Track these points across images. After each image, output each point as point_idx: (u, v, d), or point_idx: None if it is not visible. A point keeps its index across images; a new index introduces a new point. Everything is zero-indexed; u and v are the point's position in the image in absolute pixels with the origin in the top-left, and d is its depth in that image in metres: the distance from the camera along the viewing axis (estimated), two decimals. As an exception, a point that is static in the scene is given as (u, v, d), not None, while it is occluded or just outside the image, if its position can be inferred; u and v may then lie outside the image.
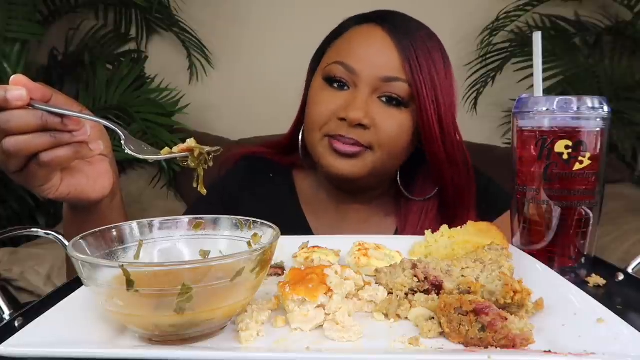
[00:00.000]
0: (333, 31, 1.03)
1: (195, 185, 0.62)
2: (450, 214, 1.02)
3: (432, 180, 1.03)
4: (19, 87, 0.59)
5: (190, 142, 0.60)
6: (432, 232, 0.77)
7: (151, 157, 0.60)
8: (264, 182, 1.11)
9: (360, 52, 0.93)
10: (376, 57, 0.92)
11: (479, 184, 1.05)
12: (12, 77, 0.60)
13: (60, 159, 0.63)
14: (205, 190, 0.62)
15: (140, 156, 0.59)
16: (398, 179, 1.04)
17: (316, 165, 1.06)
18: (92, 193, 0.73)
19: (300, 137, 1.05)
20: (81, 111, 0.65)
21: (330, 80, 0.95)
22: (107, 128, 0.64)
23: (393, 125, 0.93)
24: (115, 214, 0.81)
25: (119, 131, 0.61)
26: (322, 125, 0.94)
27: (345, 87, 0.94)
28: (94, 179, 0.73)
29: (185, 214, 1.11)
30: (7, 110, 0.59)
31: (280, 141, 1.14)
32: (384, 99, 0.93)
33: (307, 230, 1.07)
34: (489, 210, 1.03)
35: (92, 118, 0.62)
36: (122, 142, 0.60)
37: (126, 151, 0.60)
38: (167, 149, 0.60)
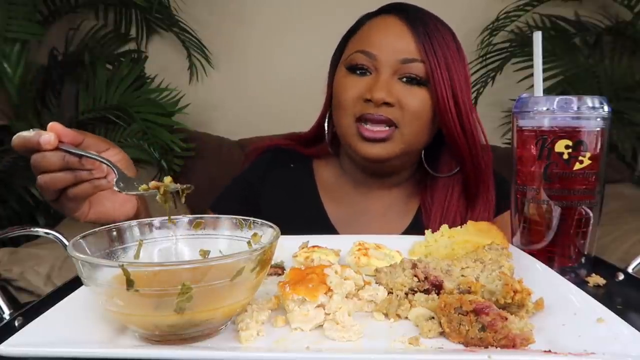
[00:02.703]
0: (350, 29, 1.09)
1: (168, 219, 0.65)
2: (472, 191, 1.06)
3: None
4: (49, 133, 0.69)
5: (166, 180, 0.67)
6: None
7: (131, 193, 0.68)
8: (284, 171, 1.16)
9: (379, 39, 1.00)
10: (394, 42, 0.99)
11: (495, 179, 1.09)
12: (50, 124, 0.70)
13: (82, 192, 0.74)
14: (174, 222, 0.65)
15: (125, 192, 0.68)
16: (423, 158, 1.08)
17: (341, 152, 1.13)
18: (117, 217, 0.79)
19: (326, 127, 1.12)
20: (108, 149, 0.77)
21: (353, 68, 1.02)
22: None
23: (415, 100, 0.98)
24: None
25: (114, 170, 0.70)
26: (352, 108, 1.00)
27: (367, 73, 1.00)
28: (119, 204, 0.80)
29: (210, 207, 1.15)
30: (38, 153, 0.70)
31: (306, 134, 1.20)
32: (404, 79, 0.99)
33: (324, 218, 1.10)
34: (501, 205, 1.07)
35: (98, 158, 0.72)
36: (114, 180, 0.69)
37: (114, 188, 0.68)
38: (144, 185, 0.68)
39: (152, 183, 0.67)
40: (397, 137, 0.98)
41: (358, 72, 1.00)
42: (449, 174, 1.08)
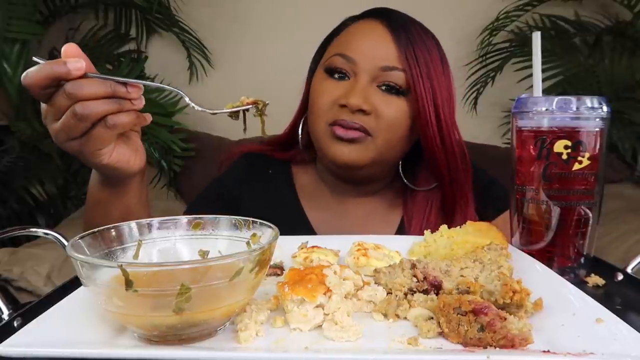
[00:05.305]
0: (333, 30, 1.06)
1: (263, 134, 0.76)
2: (449, 206, 1.03)
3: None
4: (78, 59, 0.65)
5: (245, 99, 0.71)
6: (432, 232, 0.77)
7: (217, 111, 0.69)
8: (263, 178, 1.13)
9: (360, 44, 0.97)
10: (374, 47, 0.96)
11: (482, 181, 1.07)
12: (65, 46, 0.65)
13: (123, 122, 0.69)
14: (267, 134, 0.75)
15: (209, 111, 0.70)
16: (400, 170, 1.05)
17: (317, 158, 1.09)
18: (133, 163, 0.78)
19: (300, 130, 1.08)
20: None
21: (331, 72, 0.98)
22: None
23: (392, 111, 0.95)
24: (144, 189, 0.86)
25: (184, 95, 0.70)
26: (326, 113, 0.97)
27: (346, 78, 0.97)
28: (134, 150, 0.78)
29: (185, 212, 1.13)
30: (76, 80, 0.65)
31: (280, 137, 1.16)
32: (383, 88, 0.96)
33: (306, 224, 1.08)
34: (489, 208, 1.04)
35: (157, 85, 0.76)
36: (189, 101, 0.69)
37: (195, 108, 0.69)
38: (231, 103, 0.70)
39: (245, 100, 0.70)
40: (370, 145, 0.95)
41: (336, 75, 0.97)
42: (427, 188, 1.05)
